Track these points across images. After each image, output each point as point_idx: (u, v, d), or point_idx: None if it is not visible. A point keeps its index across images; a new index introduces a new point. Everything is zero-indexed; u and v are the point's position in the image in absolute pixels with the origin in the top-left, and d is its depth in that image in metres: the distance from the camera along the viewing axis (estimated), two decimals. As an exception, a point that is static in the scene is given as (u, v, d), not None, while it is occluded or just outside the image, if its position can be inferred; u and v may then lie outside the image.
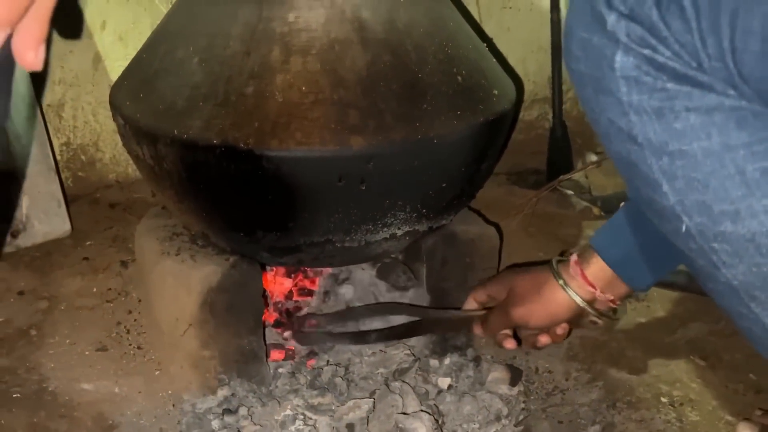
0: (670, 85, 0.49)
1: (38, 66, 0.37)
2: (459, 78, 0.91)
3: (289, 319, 1.08)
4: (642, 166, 0.52)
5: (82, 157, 1.50)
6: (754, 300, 0.53)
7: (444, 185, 0.92)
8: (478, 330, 0.92)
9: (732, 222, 0.50)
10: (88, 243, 1.34)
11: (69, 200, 1.39)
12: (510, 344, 0.89)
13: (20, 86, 1.25)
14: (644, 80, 0.49)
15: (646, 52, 0.48)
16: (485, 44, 1.04)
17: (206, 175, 0.87)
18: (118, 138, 1.05)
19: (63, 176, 1.43)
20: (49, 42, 0.38)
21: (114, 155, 1.52)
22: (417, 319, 1.02)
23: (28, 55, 0.37)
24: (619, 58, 0.49)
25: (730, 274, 0.52)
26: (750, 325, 0.55)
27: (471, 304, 0.95)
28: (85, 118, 1.47)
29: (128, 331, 1.11)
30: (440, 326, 1.02)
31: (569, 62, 0.53)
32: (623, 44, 0.49)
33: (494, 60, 1.03)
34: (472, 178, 0.98)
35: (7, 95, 0.44)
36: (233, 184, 0.85)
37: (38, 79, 1.36)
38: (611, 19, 0.49)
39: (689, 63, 0.48)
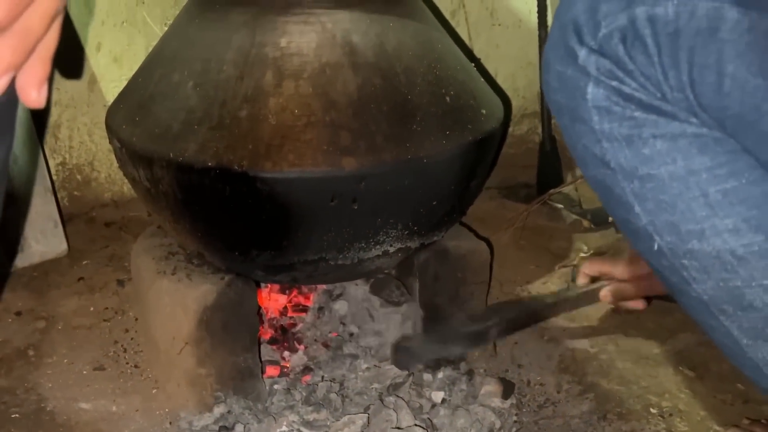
0: (637, 114, 0.52)
1: (41, 104, 0.39)
2: (447, 99, 0.93)
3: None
4: (616, 189, 0.55)
5: (78, 177, 1.51)
6: (723, 313, 0.56)
7: (435, 203, 0.94)
8: (607, 297, 1.02)
9: (698, 240, 0.53)
10: (84, 262, 1.35)
11: (65, 220, 1.40)
12: (641, 305, 1.01)
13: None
14: (614, 110, 0.52)
15: (614, 84, 0.52)
16: (473, 64, 1.06)
17: (202, 197, 0.88)
18: (113, 157, 1.07)
19: (59, 196, 1.44)
20: (50, 79, 0.40)
21: (109, 174, 1.54)
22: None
23: (32, 94, 0.39)
24: (591, 90, 0.52)
25: (700, 289, 0.56)
26: (721, 338, 0.58)
27: (584, 279, 1.05)
28: (80, 139, 1.49)
29: (125, 350, 1.13)
30: (564, 306, 1.07)
31: (548, 93, 0.56)
32: (593, 77, 0.52)
33: (482, 80, 1.05)
34: (462, 196, 1.00)
35: (11, 132, 0.46)
36: (228, 205, 0.87)
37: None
38: (582, 53, 0.52)
39: (654, 94, 0.51)
